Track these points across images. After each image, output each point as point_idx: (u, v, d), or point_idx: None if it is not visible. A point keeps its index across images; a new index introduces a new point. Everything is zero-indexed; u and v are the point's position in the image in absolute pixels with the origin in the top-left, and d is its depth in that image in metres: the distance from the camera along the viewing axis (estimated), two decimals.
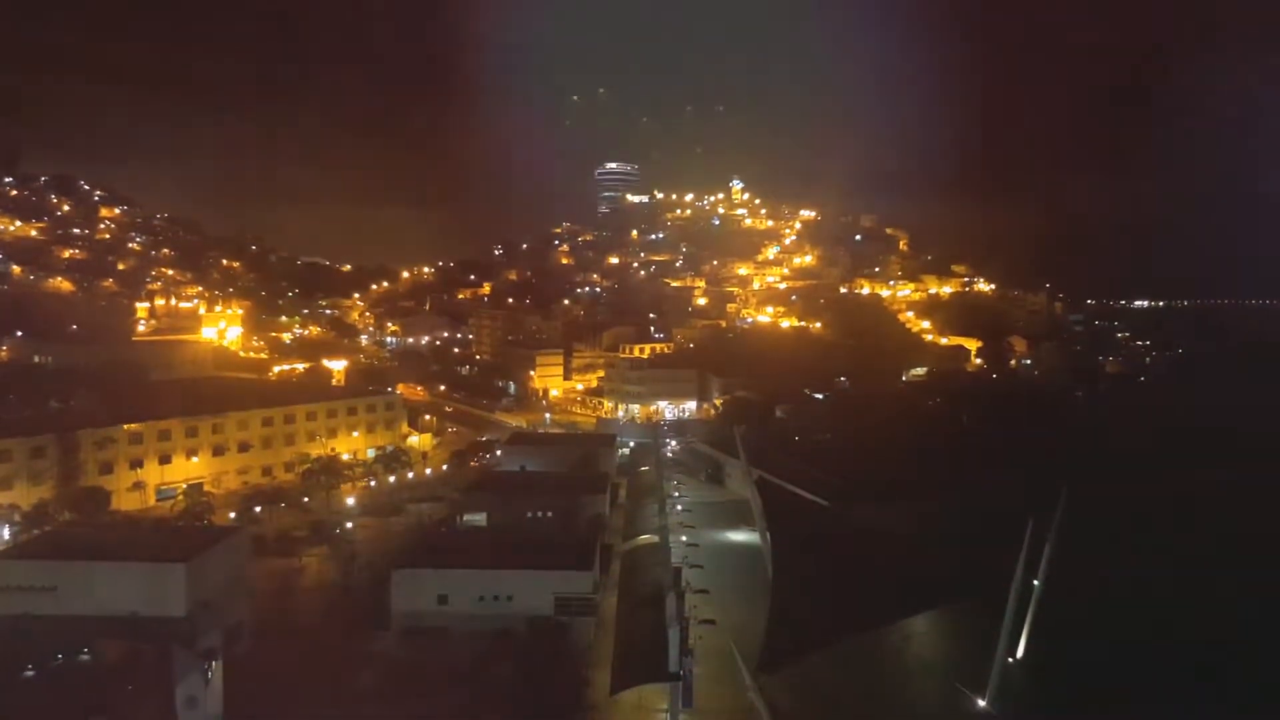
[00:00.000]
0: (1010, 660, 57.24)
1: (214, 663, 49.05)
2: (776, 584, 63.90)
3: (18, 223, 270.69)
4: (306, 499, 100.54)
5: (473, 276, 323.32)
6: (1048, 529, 60.58)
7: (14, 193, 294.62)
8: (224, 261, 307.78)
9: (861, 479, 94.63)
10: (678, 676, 48.27)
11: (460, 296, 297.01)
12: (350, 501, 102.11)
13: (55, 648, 55.82)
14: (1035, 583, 59.46)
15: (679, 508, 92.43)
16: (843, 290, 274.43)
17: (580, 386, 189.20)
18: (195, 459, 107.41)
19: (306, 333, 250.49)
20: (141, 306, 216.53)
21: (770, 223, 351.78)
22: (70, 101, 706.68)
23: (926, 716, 54.27)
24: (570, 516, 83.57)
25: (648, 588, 62.09)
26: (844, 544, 71.35)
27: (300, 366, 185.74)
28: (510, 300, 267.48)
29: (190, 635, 53.98)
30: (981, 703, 53.91)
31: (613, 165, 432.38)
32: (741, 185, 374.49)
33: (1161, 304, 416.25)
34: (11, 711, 49.97)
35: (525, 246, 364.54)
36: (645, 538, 76.46)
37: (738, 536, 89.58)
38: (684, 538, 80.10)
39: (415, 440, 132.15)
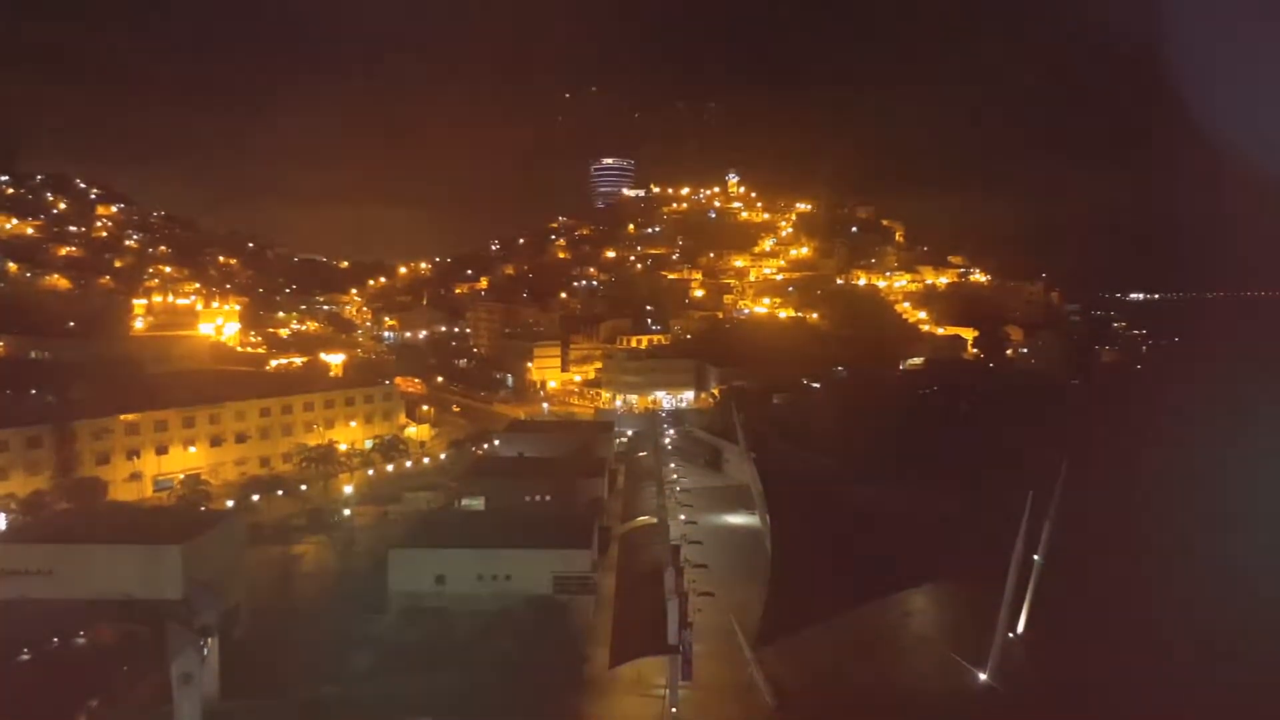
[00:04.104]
0: (1010, 635, 57.15)
1: (210, 640, 48.81)
2: (775, 558, 63.78)
3: (14, 220, 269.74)
4: (304, 488, 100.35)
5: (470, 271, 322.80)
6: (1048, 506, 60.30)
7: (10, 190, 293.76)
8: (221, 258, 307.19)
9: (859, 463, 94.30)
10: (676, 649, 48.04)
11: (458, 291, 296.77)
12: (348, 490, 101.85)
13: (51, 631, 55.60)
14: (1035, 557, 59.27)
15: (677, 489, 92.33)
16: (839, 281, 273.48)
17: (578, 378, 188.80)
18: (192, 449, 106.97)
19: (304, 328, 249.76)
20: (139, 303, 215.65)
21: (766, 215, 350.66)
22: (68, 101, 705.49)
23: (926, 690, 54.07)
24: (568, 499, 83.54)
25: (646, 565, 61.85)
26: (843, 520, 71.17)
27: (298, 361, 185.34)
28: (508, 294, 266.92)
29: (186, 617, 53.73)
30: (982, 676, 53.86)
31: (609, 160, 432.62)
32: (737, 178, 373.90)
33: (1157, 296, 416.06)
34: (8, 694, 49.70)
35: (522, 241, 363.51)
36: (643, 519, 76.31)
37: (736, 519, 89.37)
38: (682, 517, 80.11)
39: (413, 431, 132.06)
